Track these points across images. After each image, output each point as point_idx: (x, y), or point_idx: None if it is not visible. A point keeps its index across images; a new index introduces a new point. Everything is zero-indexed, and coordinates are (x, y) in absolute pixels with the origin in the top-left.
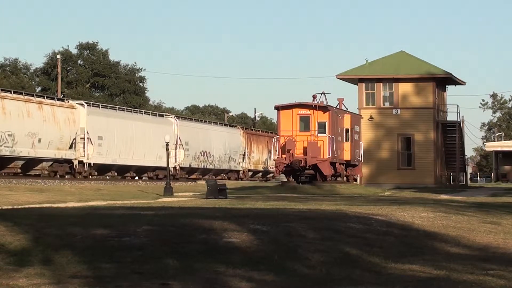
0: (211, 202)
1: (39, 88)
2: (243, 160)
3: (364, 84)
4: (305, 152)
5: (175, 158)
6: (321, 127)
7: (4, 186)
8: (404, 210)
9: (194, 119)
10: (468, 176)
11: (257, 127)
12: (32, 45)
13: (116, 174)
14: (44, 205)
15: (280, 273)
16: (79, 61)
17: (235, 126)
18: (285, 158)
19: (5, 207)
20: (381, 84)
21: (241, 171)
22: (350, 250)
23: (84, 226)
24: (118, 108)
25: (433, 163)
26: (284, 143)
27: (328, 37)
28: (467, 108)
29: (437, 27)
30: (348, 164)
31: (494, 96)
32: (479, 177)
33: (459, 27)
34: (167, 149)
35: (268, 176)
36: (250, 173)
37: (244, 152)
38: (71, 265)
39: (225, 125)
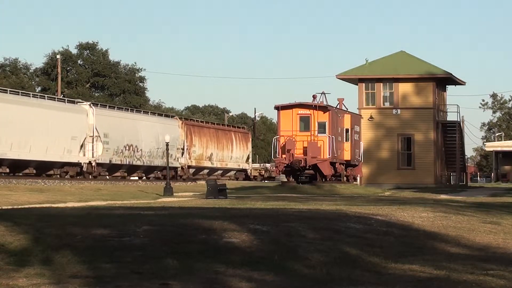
0: (211, 202)
1: (39, 88)
2: (182, 155)
3: (364, 84)
4: (305, 152)
5: (91, 153)
6: (321, 127)
7: (4, 186)
8: (404, 210)
9: (118, 107)
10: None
11: (257, 127)
12: (32, 45)
13: (7, 170)
14: (44, 205)
15: (280, 273)
16: (79, 61)
17: (172, 116)
18: (285, 158)
19: (5, 207)
20: (381, 84)
21: (179, 168)
22: (350, 250)
23: (84, 226)
24: (10, 91)
25: (433, 163)
26: (284, 143)
27: (328, 37)
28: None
29: (437, 27)
30: (348, 164)
31: (494, 96)
32: (479, 177)
33: (459, 27)
34: (167, 149)
35: (215, 174)
36: (191, 170)
37: (183, 146)
38: (71, 265)
39: (159, 114)
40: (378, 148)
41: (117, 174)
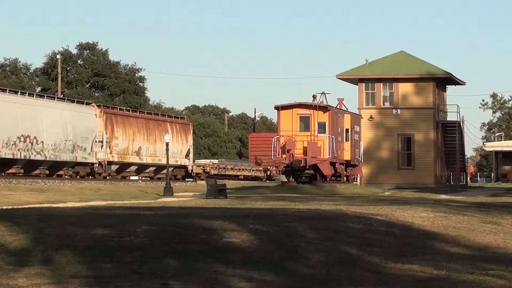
0: (211, 202)
1: (39, 88)
2: (102, 149)
3: (364, 84)
4: (305, 152)
5: None
6: (321, 127)
7: (4, 186)
8: (404, 210)
9: (10, 90)
10: (468, 176)
11: (257, 127)
12: (32, 45)
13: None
14: (44, 205)
15: (280, 273)
16: (79, 61)
17: (88, 103)
18: (285, 158)
19: (5, 207)
20: (381, 84)
21: (96, 164)
22: (350, 250)
23: (84, 226)
24: None
25: (433, 163)
26: (284, 143)
27: (328, 37)
28: (467, 108)
29: (437, 27)
30: (348, 164)
31: (494, 96)
32: (479, 177)
33: (459, 27)
34: (167, 149)
35: (146, 171)
36: (114, 167)
37: (102, 139)
38: (71, 265)
39: (71, 101)
40: (378, 148)
41: (12, 170)
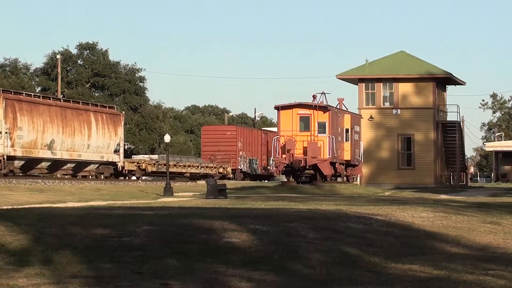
0: (211, 202)
1: (39, 88)
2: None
3: (364, 84)
4: (305, 152)
5: None
6: (321, 127)
7: (4, 186)
8: (404, 210)
9: None
10: (469, 176)
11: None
12: (32, 45)
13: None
14: (44, 205)
15: (280, 273)
16: (79, 61)
17: None
18: (285, 158)
19: (5, 207)
20: (381, 84)
21: None
22: (350, 250)
23: (84, 226)
24: None
25: (433, 163)
26: (284, 143)
27: (328, 37)
28: (467, 108)
29: (437, 27)
30: (348, 164)
31: (494, 96)
32: (479, 177)
33: (459, 27)
34: (167, 149)
35: (63, 168)
36: (18, 163)
37: (1, 129)
38: (71, 265)
39: None
40: (378, 148)
41: None
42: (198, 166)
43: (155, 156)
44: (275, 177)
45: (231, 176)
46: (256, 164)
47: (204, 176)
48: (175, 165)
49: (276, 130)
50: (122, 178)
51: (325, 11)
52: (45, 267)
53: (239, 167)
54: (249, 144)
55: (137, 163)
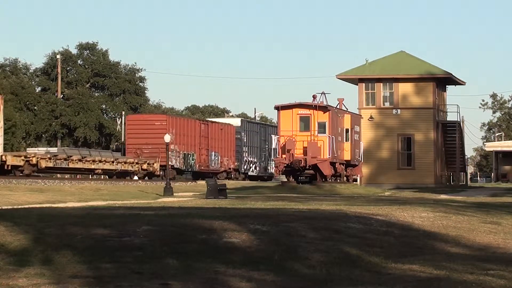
0: (211, 202)
1: (39, 88)
2: None
3: (364, 84)
4: (305, 152)
5: None
6: (321, 127)
7: (4, 186)
8: (404, 210)
9: None
10: (469, 176)
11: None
12: (32, 45)
13: None
14: (44, 205)
15: (280, 273)
16: (79, 61)
17: None
18: (285, 158)
19: (5, 207)
20: (381, 84)
21: None
22: (350, 250)
23: (84, 226)
24: None
25: (433, 163)
26: (284, 143)
27: (328, 37)
28: (467, 108)
29: (437, 27)
30: (348, 164)
31: (494, 96)
32: (479, 177)
33: (459, 27)
34: (167, 149)
35: None
36: None
37: None
38: (71, 265)
39: None
40: (378, 148)
41: None
42: (113, 162)
43: (54, 149)
44: (218, 173)
45: (160, 173)
46: (193, 159)
47: (123, 174)
48: (80, 160)
49: (223, 121)
50: (5, 174)
51: (325, 11)
52: (45, 267)
53: (170, 163)
54: (184, 136)
55: (25, 156)
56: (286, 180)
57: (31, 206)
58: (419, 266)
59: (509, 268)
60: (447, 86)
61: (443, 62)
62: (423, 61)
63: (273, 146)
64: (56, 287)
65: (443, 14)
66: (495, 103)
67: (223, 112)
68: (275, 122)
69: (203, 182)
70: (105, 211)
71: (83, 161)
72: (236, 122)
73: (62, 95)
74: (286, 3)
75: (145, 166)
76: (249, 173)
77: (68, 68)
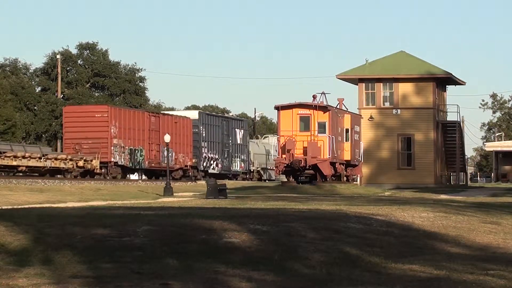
0: (211, 202)
1: (39, 88)
2: None
3: (364, 84)
4: (305, 152)
5: None
6: (321, 127)
7: (4, 186)
8: (404, 210)
9: None
10: (469, 176)
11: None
12: (32, 45)
13: None
14: (44, 205)
15: (280, 273)
16: (79, 61)
17: None
18: (285, 158)
19: (5, 207)
20: (381, 84)
21: None
22: (350, 250)
23: (84, 226)
24: None
25: (433, 163)
26: (284, 143)
27: (328, 37)
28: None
29: (437, 27)
30: (348, 164)
31: (494, 96)
32: (479, 177)
33: (459, 27)
34: (167, 149)
35: None
36: None
37: None
38: (71, 265)
39: None
40: (378, 148)
41: None
42: (40, 158)
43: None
44: (173, 171)
45: (101, 171)
46: (141, 156)
47: (54, 171)
48: None
49: (179, 114)
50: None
51: (325, 11)
52: (45, 267)
53: (112, 159)
54: (130, 129)
55: None
56: (286, 180)
57: (31, 206)
58: (419, 266)
59: (509, 268)
60: (447, 86)
61: (443, 62)
62: (423, 61)
63: (273, 146)
64: (56, 287)
65: (443, 14)
66: (495, 103)
67: (223, 112)
68: (237, 116)
69: (203, 182)
70: (105, 211)
71: (2, 157)
72: (194, 114)
73: (62, 95)
74: (286, 3)
75: (81, 163)
76: (210, 171)
77: (68, 68)
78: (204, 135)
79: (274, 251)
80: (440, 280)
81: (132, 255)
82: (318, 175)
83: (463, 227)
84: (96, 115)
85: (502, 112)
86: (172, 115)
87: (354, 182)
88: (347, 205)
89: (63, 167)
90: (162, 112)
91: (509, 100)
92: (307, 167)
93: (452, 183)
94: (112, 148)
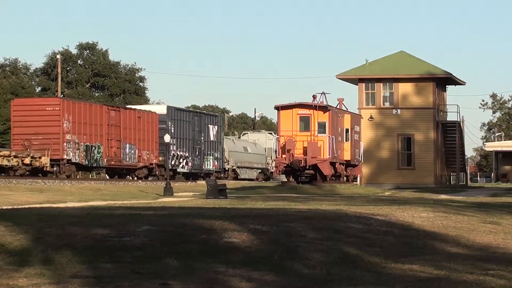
0: (211, 202)
1: (39, 88)
2: None
3: (364, 84)
4: (305, 152)
5: None
6: (321, 127)
7: (4, 186)
8: (404, 210)
9: None
10: (469, 176)
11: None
12: (32, 45)
13: None
14: (44, 205)
15: (280, 273)
16: (79, 61)
17: None
18: (285, 158)
19: (5, 207)
20: (381, 84)
21: None
22: (350, 250)
23: (84, 226)
24: None
25: (433, 163)
26: (284, 143)
27: (328, 37)
28: (467, 108)
29: (437, 27)
30: (348, 164)
31: (494, 96)
32: (479, 177)
33: (459, 27)
34: (167, 149)
35: None
36: None
37: None
38: (71, 265)
39: None
40: (378, 148)
41: None
42: None
43: None
44: (136, 169)
45: (53, 169)
46: (99, 153)
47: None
48: None
49: (144, 108)
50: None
51: (325, 11)
52: (45, 267)
53: (65, 156)
54: (86, 124)
55: None
56: (286, 180)
57: (31, 206)
58: (419, 266)
59: (509, 268)
60: (447, 86)
61: (443, 62)
62: (423, 61)
63: (273, 146)
64: (56, 287)
65: (443, 14)
66: (495, 103)
67: (223, 112)
68: (212, 111)
69: (203, 182)
70: (105, 211)
71: None
72: (161, 109)
73: (62, 95)
74: (286, 3)
75: (27, 161)
76: (179, 170)
77: (68, 68)
78: (173, 131)
79: (274, 251)
80: (440, 280)
81: (132, 255)
82: (318, 175)
83: (463, 227)
84: (47, 109)
85: (502, 112)
86: (135, 109)
87: (354, 182)
88: (347, 205)
89: (7, 165)
90: (124, 106)
91: (509, 100)
92: (307, 167)
93: (452, 183)
94: (65, 144)
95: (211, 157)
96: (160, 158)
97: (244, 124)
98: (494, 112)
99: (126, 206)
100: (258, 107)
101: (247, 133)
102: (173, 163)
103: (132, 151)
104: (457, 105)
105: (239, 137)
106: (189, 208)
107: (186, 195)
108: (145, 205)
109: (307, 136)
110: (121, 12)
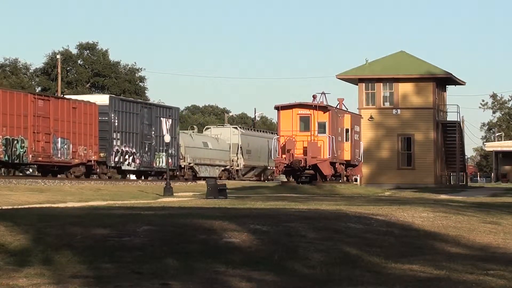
0: (211, 202)
1: (39, 88)
2: None
3: (364, 84)
4: (305, 152)
5: None
6: (321, 127)
7: (4, 186)
8: (404, 210)
9: None
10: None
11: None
12: (32, 45)
13: None
14: (44, 205)
15: (280, 273)
16: (79, 61)
17: None
18: (285, 158)
19: (5, 207)
20: (381, 84)
21: None
22: (350, 250)
23: (84, 226)
24: None
25: (433, 163)
26: (284, 143)
27: (328, 37)
28: (467, 108)
29: (437, 27)
30: (348, 164)
31: (494, 96)
32: (479, 177)
33: (459, 27)
34: (167, 149)
35: None
36: None
37: None
38: (71, 265)
39: None
40: (378, 148)
41: None
42: None
43: None
44: (71, 166)
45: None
46: (22, 148)
47: None
48: None
49: (82, 98)
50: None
51: (325, 11)
52: (45, 267)
53: None
54: (6, 115)
55: None
56: (286, 180)
57: (31, 206)
58: (419, 266)
59: (509, 268)
60: (447, 86)
61: (443, 62)
62: (423, 61)
63: (273, 146)
64: (56, 287)
65: (443, 14)
66: (495, 103)
67: (223, 112)
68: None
69: (203, 182)
70: (105, 211)
71: None
72: (103, 99)
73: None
74: (286, 3)
75: None
76: (124, 167)
77: (68, 68)
78: (116, 124)
79: (274, 251)
80: (440, 280)
81: (132, 255)
82: (318, 175)
83: (463, 227)
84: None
85: (502, 112)
86: (69, 99)
87: (354, 182)
88: (347, 205)
89: None
90: (56, 95)
91: (509, 100)
92: (307, 167)
93: (452, 183)
94: None
95: (164, 153)
96: (101, 155)
97: (244, 124)
98: (494, 112)
99: (126, 206)
100: (258, 107)
101: (210, 127)
102: (116, 159)
103: (66, 146)
104: (457, 105)
105: (199, 132)
106: (189, 208)
107: (186, 195)
108: (145, 205)
109: (307, 136)
110: (121, 12)
